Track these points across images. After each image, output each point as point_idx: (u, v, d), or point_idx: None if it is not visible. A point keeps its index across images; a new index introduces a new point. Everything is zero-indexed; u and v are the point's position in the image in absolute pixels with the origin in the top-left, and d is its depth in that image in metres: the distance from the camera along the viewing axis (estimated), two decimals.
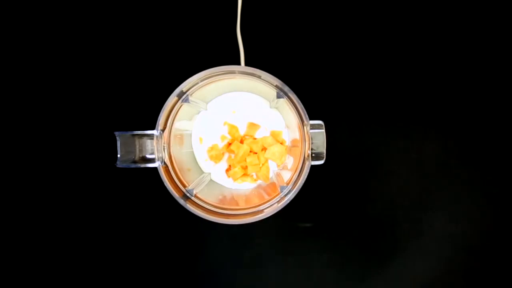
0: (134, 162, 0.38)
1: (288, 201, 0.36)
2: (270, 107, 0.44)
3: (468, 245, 0.48)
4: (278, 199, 0.38)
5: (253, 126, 0.43)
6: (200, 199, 0.41)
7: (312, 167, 0.36)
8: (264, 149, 0.43)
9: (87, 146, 0.48)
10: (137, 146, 0.38)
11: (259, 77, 0.38)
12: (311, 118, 0.37)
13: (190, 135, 0.45)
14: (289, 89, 0.37)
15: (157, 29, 0.48)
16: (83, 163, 0.48)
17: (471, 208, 0.48)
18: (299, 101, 0.36)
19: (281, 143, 0.43)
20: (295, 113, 0.37)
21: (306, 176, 0.36)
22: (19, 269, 0.49)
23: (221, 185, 0.45)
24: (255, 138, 0.43)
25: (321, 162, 0.35)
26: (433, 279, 0.48)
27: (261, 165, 0.43)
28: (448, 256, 0.48)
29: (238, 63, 0.46)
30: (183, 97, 0.40)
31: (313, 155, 0.35)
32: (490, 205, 0.48)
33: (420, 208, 0.48)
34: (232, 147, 0.43)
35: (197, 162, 0.45)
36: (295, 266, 0.48)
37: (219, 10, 0.48)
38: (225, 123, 0.44)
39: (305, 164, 0.36)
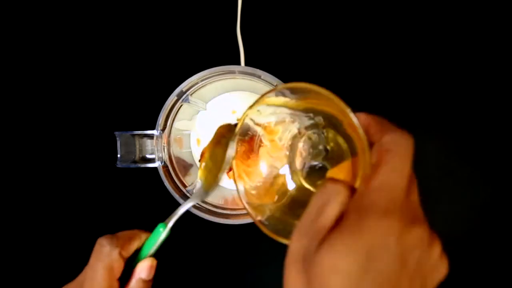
0: (134, 162, 0.38)
1: None
2: None
3: (468, 245, 0.48)
4: None
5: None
6: None
7: None
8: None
9: (88, 146, 0.48)
10: (137, 146, 0.38)
11: (259, 77, 0.38)
12: None
13: (190, 135, 0.45)
14: None
15: (157, 29, 0.48)
16: (83, 163, 0.48)
17: (471, 208, 0.48)
18: None
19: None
20: None
21: None
22: (19, 268, 0.48)
23: (222, 186, 0.45)
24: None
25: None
26: None
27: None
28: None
29: (238, 63, 0.46)
30: (183, 97, 0.40)
31: None
32: (490, 205, 0.48)
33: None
34: None
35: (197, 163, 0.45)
36: None
37: (219, 10, 0.48)
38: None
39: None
